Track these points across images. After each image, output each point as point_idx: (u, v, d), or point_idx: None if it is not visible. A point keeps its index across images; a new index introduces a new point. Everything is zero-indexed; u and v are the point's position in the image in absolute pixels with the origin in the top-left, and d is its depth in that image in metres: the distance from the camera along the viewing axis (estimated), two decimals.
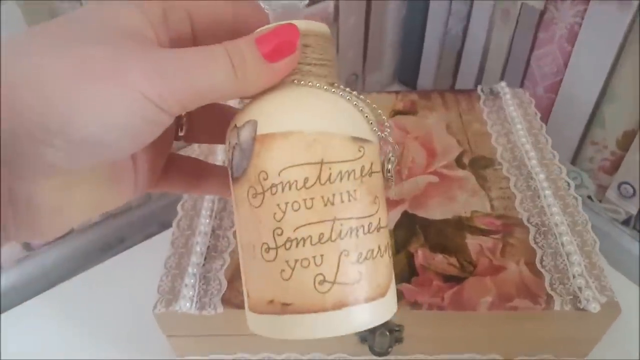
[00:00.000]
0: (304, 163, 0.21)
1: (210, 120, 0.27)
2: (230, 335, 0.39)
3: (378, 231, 0.22)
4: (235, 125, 0.23)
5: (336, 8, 0.62)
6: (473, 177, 0.45)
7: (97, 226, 0.57)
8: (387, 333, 0.38)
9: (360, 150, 0.22)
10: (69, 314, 0.48)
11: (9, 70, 0.18)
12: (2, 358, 0.45)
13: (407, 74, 0.75)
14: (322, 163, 0.21)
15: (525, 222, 0.41)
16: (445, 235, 0.40)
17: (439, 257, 0.39)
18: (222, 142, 0.25)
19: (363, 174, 0.22)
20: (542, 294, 0.36)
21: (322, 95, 0.23)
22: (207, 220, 0.42)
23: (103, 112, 0.18)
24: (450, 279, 0.37)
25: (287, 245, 0.21)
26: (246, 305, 0.24)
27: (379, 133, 0.23)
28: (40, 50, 0.18)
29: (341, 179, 0.21)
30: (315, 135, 0.21)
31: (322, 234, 0.21)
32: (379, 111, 0.25)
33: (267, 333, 0.23)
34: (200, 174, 0.28)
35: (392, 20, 0.70)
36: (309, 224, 0.21)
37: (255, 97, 0.23)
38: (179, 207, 0.44)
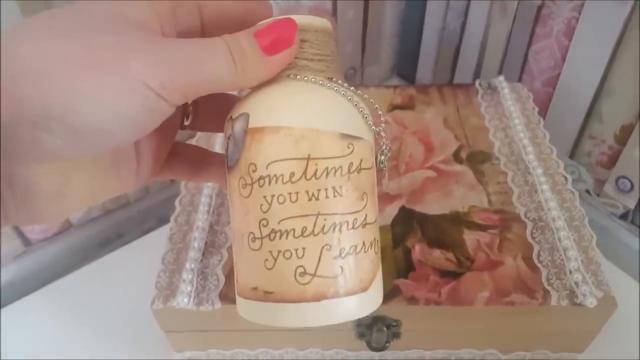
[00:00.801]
0: (291, 158, 0.22)
1: (216, 109, 0.27)
2: (228, 331, 0.39)
3: (364, 227, 0.23)
4: (231, 116, 0.24)
5: (334, 2, 0.62)
6: (470, 172, 0.45)
7: (95, 221, 0.57)
8: (385, 328, 0.38)
9: (349, 147, 0.22)
10: (67, 309, 0.48)
11: (10, 55, 0.18)
12: (1, 352, 0.45)
13: (405, 68, 0.75)
14: (308, 159, 0.22)
15: (523, 217, 0.41)
16: (443, 230, 0.40)
17: (436, 252, 0.39)
18: None
19: (351, 171, 0.22)
20: (539, 289, 0.36)
21: (316, 91, 0.23)
22: (205, 216, 0.42)
23: (104, 100, 0.18)
24: (448, 274, 0.37)
25: (272, 236, 0.22)
26: (236, 289, 0.24)
27: (374, 127, 0.24)
28: (44, 36, 0.19)
29: (327, 175, 0.22)
30: (303, 131, 0.22)
31: (305, 227, 0.22)
32: (376, 106, 0.25)
33: (251, 317, 0.24)
34: (203, 161, 0.28)
35: (390, 14, 0.70)
36: (293, 217, 0.22)
37: (251, 90, 0.24)
38: (176, 203, 0.44)
